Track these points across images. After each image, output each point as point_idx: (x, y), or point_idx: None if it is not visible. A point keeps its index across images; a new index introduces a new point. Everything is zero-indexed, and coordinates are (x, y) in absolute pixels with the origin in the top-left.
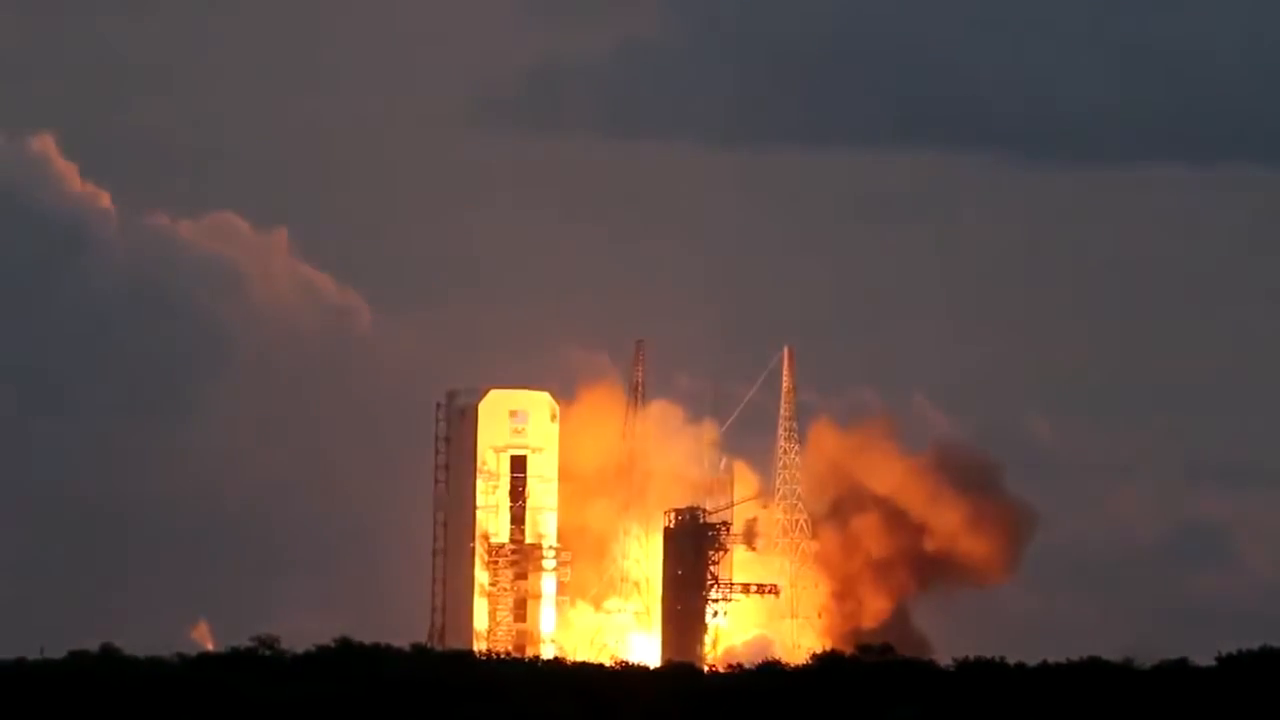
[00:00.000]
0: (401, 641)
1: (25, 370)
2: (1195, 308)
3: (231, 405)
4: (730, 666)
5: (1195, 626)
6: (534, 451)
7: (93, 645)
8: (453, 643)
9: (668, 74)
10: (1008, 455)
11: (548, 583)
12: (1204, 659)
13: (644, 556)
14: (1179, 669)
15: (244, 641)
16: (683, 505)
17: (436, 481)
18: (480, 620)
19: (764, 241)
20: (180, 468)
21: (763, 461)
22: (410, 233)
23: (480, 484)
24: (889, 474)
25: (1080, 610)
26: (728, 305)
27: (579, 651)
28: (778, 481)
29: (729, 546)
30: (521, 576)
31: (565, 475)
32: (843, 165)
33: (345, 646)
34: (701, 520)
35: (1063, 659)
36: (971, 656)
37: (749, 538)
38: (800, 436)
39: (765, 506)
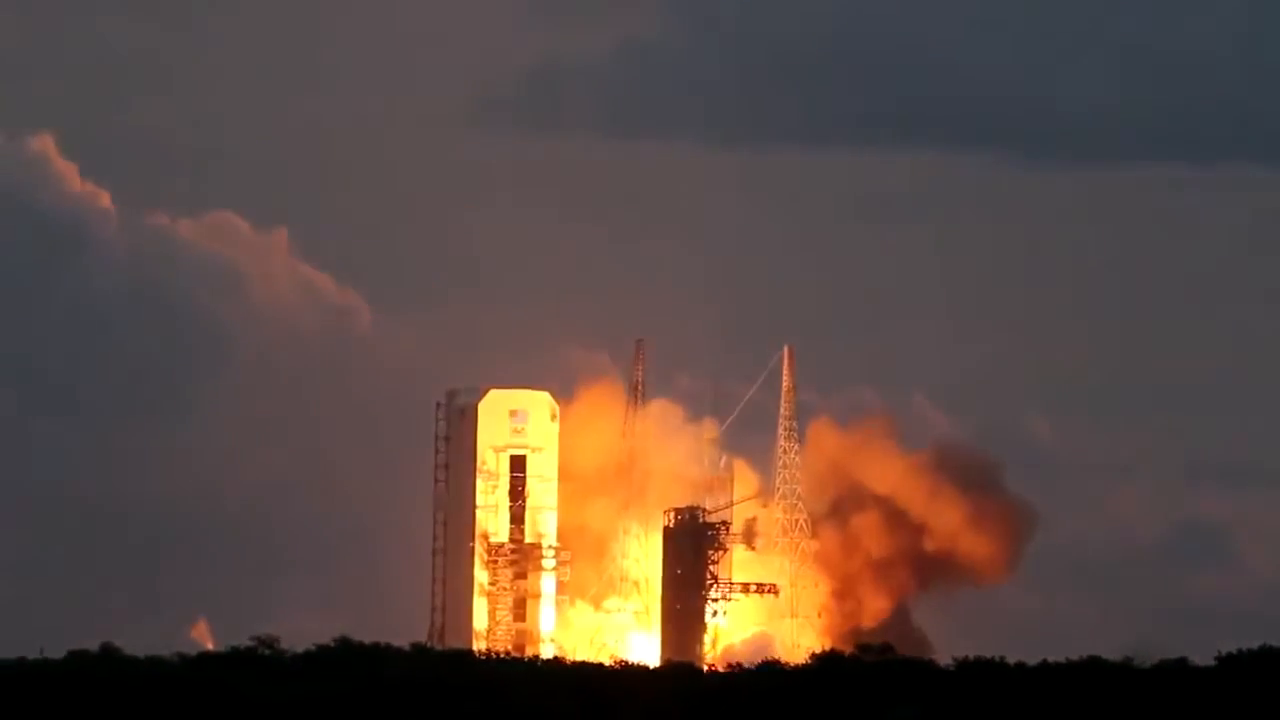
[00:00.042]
0: (401, 641)
1: (25, 370)
2: (1195, 308)
3: (231, 405)
4: (730, 666)
5: (1195, 626)
6: (534, 451)
7: (93, 645)
8: (452, 642)
9: (668, 74)
10: (1008, 455)
11: (547, 582)
12: (1204, 659)
13: (643, 556)
14: (1179, 669)
15: (244, 641)
16: (682, 505)
17: (436, 481)
18: (480, 620)
19: (764, 241)
20: (180, 468)
21: (762, 461)
22: (410, 233)
23: (480, 483)
24: (889, 473)
25: (1080, 610)
26: (728, 305)
27: (578, 651)
28: (777, 481)
29: (728, 546)
30: (521, 576)
31: (565, 475)
32: (843, 165)
33: (345, 646)
34: (701, 520)
35: (1063, 659)
36: (971, 656)
37: (748, 537)
38: (800, 436)
39: (765, 506)
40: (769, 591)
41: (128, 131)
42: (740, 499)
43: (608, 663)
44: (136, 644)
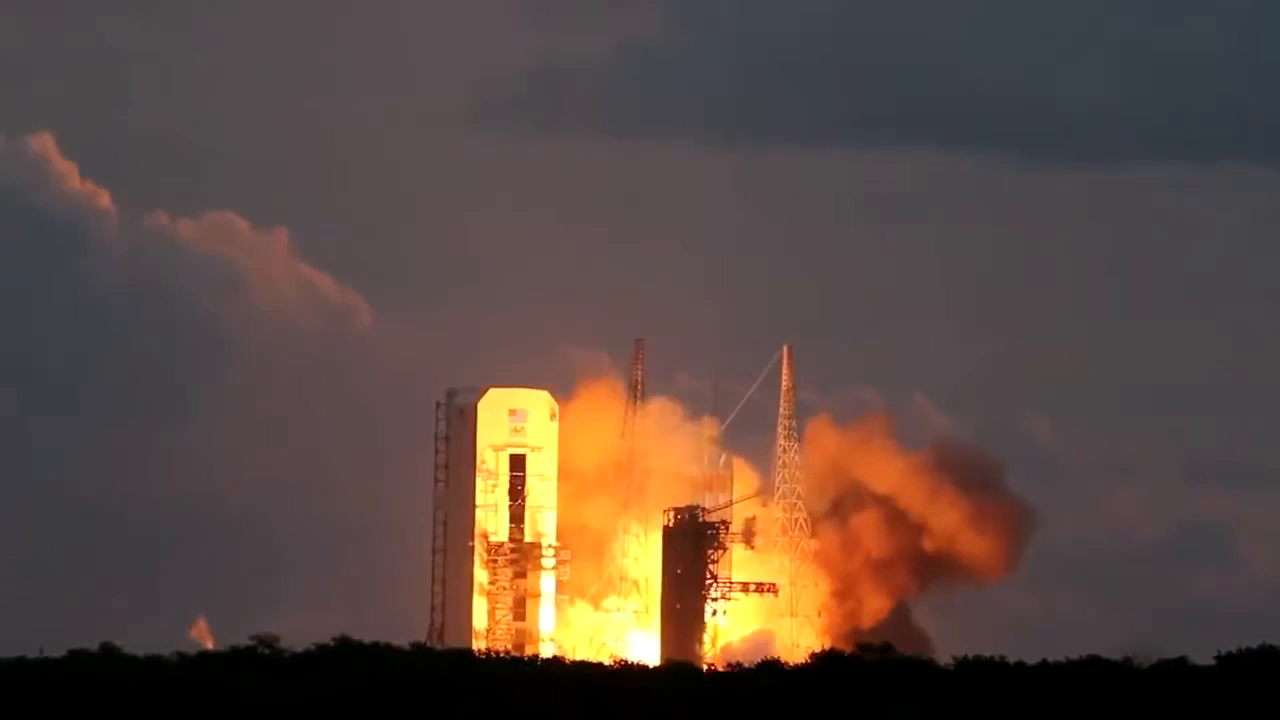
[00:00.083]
0: (401, 640)
1: (25, 370)
2: (1195, 308)
3: (231, 405)
4: (729, 665)
5: (1195, 626)
6: (533, 450)
7: (93, 645)
8: (452, 641)
9: (668, 74)
10: (1008, 455)
11: (547, 581)
12: (1204, 659)
13: (643, 555)
14: (1179, 668)
15: (243, 640)
16: (682, 504)
17: (436, 480)
18: (479, 619)
19: (764, 241)
20: (180, 468)
21: (762, 460)
22: (410, 233)
23: (480, 483)
24: (889, 473)
25: (1080, 610)
26: (727, 304)
27: (578, 650)
28: (777, 480)
29: (728, 545)
30: (521, 575)
31: (564, 474)
32: (843, 165)
33: (345, 645)
34: (701, 519)
35: (1063, 659)
36: (971, 656)
37: (748, 536)
38: (800, 436)
39: (765, 505)
40: (769, 591)
41: (128, 131)
42: (740, 498)
43: (607, 662)
44: (136, 644)
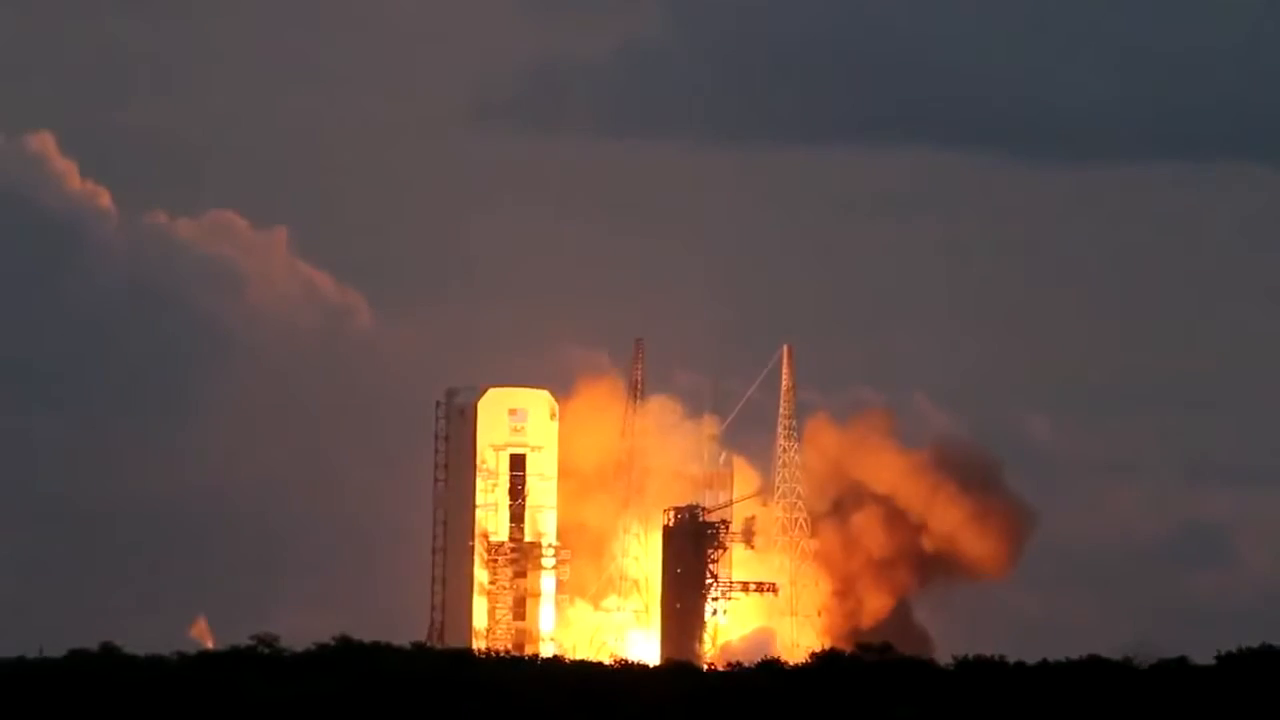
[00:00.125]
0: (401, 640)
1: (25, 370)
2: (1195, 307)
3: (231, 405)
4: (729, 665)
5: (1195, 626)
6: (533, 450)
7: (93, 645)
8: (452, 641)
9: (668, 74)
10: (1007, 454)
11: (547, 581)
12: (1204, 659)
13: (643, 554)
14: (1179, 668)
15: (244, 640)
16: (682, 503)
17: (436, 480)
18: (479, 619)
19: (764, 241)
20: (180, 468)
21: (762, 459)
22: (410, 232)
23: (479, 482)
24: (889, 472)
25: (1080, 610)
26: (727, 304)
27: (578, 650)
28: (777, 479)
29: (728, 544)
30: (521, 575)
31: (564, 473)
32: (843, 165)
33: (345, 645)
34: (701, 518)
35: (1063, 658)
36: (971, 656)
37: (748, 536)
38: (799, 435)
39: (765, 504)
40: (769, 590)
41: (128, 131)
42: (740, 497)
43: (607, 662)
44: (136, 643)
